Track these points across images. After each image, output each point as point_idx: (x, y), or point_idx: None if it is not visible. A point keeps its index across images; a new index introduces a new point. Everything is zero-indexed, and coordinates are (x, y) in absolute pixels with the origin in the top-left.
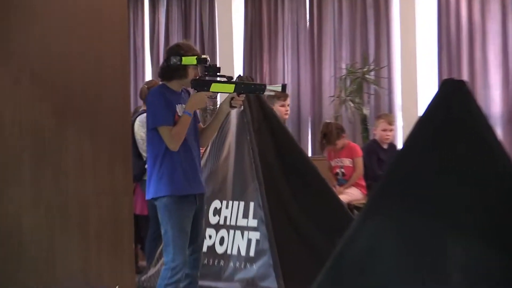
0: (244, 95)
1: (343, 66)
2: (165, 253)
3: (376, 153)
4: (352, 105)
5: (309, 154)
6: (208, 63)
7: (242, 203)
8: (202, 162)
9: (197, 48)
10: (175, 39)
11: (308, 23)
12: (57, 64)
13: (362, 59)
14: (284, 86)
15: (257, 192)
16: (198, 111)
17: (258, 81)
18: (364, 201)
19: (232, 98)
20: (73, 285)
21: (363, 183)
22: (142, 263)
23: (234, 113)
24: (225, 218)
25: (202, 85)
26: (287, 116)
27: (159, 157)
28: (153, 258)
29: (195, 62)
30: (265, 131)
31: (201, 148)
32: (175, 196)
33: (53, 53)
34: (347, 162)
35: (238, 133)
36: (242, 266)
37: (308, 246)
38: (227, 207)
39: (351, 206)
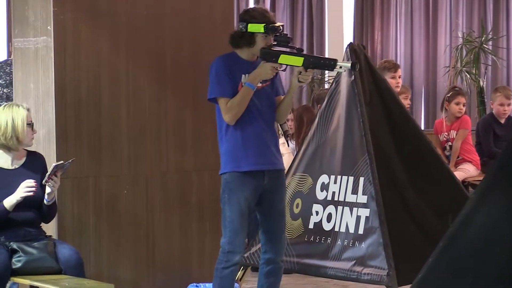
0: (312, 70)
1: (459, 34)
2: (223, 235)
3: (493, 128)
4: (468, 76)
5: (422, 127)
6: (279, 32)
7: (351, 178)
8: (310, 133)
9: (304, 15)
10: (281, 6)
11: None
12: (163, 31)
13: (479, 27)
14: (354, 64)
15: (368, 167)
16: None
17: (369, 50)
18: (480, 178)
19: (300, 73)
20: (174, 263)
21: (477, 158)
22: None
23: (344, 83)
24: (333, 193)
25: (270, 55)
26: (398, 89)
27: (222, 131)
28: (255, 234)
29: (262, 30)
30: (377, 103)
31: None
32: (237, 172)
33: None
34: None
35: (348, 105)
36: (350, 244)
37: (419, 225)
38: (335, 182)
39: (465, 183)
